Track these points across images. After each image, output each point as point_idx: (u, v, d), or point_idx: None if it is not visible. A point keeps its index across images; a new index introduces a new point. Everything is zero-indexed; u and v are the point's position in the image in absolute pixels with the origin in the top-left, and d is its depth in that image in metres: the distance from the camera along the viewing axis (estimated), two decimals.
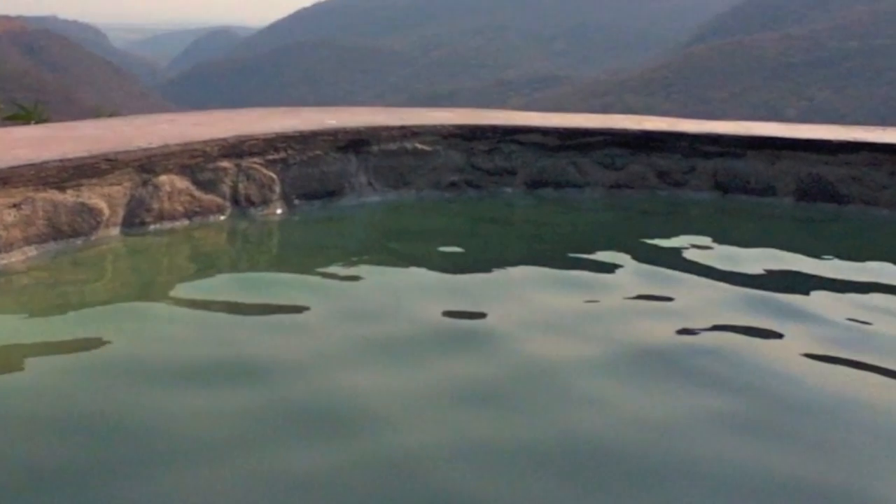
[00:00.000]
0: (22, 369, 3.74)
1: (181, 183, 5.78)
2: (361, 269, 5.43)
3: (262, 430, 3.27)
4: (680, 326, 4.55)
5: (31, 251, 5.03)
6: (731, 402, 3.70)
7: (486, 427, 3.39)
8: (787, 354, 4.24)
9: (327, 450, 3.14)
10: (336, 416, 3.42)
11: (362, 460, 3.09)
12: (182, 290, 4.87)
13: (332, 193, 6.63)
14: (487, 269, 5.57)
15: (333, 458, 3.09)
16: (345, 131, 6.67)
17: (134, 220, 5.56)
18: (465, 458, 3.14)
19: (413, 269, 5.58)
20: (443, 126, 7.16)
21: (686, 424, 3.50)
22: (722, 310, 4.87)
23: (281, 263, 5.73)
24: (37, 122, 8.08)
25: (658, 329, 4.50)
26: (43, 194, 5.06)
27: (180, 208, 5.79)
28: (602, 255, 5.84)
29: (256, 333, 4.28)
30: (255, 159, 6.17)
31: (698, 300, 5.05)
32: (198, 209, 5.89)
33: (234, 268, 5.53)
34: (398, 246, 6.15)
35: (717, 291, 5.20)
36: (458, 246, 6.11)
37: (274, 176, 6.27)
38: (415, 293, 5.03)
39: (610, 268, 5.57)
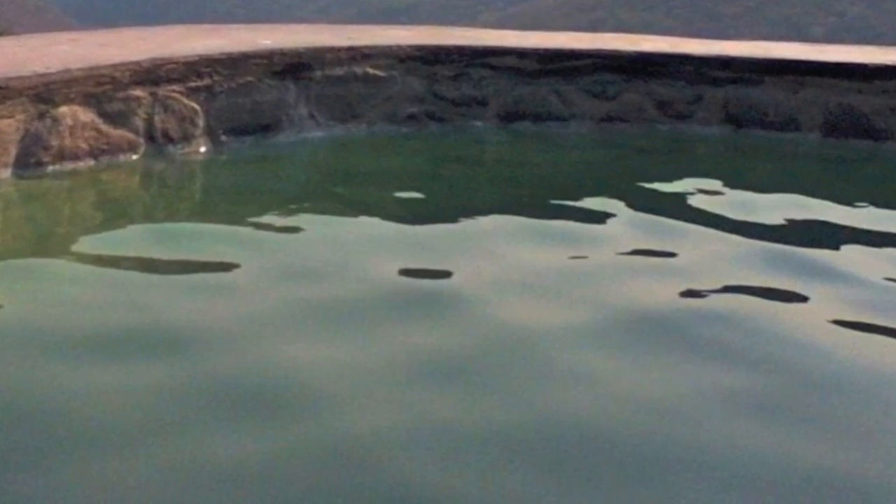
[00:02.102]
0: None
1: (85, 115, 5.73)
2: (302, 219, 5.42)
3: (183, 412, 3.26)
4: (684, 288, 4.56)
5: None
6: (746, 378, 3.70)
7: (452, 408, 3.38)
8: (812, 321, 4.26)
9: (261, 435, 3.13)
10: (271, 394, 3.41)
11: (303, 447, 3.08)
12: (87, 244, 4.84)
13: (266, 128, 6.60)
14: (453, 219, 5.57)
15: (268, 444, 3.08)
16: (282, 53, 6.63)
17: (29, 160, 5.51)
18: (426, 445, 3.14)
19: (363, 219, 5.56)
20: (399, 47, 7.13)
21: (691, 405, 3.51)
22: (734, 268, 4.89)
23: (205, 212, 5.71)
24: None
25: (658, 291, 4.51)
26: None
27: (84, 146, 5.74)
28: (590, 202, 5.85)
29: (176, 296, 4.27)
30: (174, 87, 6.12)
31: (706, 256, 5.06)
32: (105, 147, 5.85)
33: (148, 217, 5.52)
34: (345, 191, 6.14)
35: (729, 246, 5.21)
36: (418, 191, 6.10)
37: (197, 107, 6.23)
38: (365, 248, 5.01)
39: (600, 217, 5.57)
